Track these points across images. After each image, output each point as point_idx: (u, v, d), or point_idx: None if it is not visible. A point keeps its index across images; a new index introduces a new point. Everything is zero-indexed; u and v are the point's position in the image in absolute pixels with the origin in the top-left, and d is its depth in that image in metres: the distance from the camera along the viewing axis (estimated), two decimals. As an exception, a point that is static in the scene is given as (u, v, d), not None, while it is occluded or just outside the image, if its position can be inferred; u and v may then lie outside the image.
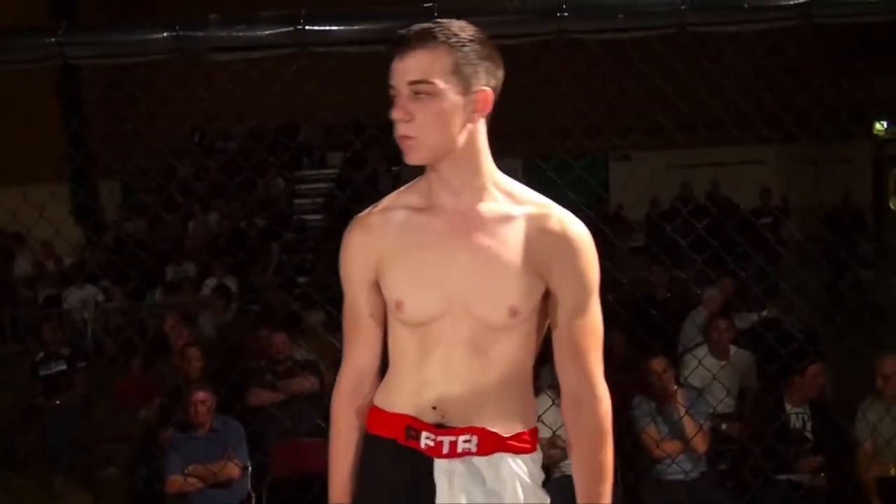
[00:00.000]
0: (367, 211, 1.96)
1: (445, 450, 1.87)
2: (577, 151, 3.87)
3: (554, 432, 4.07)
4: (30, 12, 12.19)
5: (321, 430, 4.96)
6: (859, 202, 12.48)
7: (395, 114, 1.78)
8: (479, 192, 1.87)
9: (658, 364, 4.91)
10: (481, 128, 1.86)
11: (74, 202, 11.94)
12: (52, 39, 2.27)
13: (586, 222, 1.91)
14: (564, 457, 4.75)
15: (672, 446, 4.82)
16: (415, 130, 1.78)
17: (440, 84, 1.76)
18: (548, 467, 2.07)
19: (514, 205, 1.88)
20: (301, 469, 4.92)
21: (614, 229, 8.28)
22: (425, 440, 1.87)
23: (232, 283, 9.41)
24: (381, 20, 2.40)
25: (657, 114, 3.65)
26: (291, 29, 2.33)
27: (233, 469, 4.87)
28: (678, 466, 4.79)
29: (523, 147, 9.32)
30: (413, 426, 1.89)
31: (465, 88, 1.79)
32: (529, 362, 1.95)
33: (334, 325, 6.55)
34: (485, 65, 1.81)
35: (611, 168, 14.39)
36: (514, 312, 1.84)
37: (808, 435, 4.85)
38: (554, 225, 1.86)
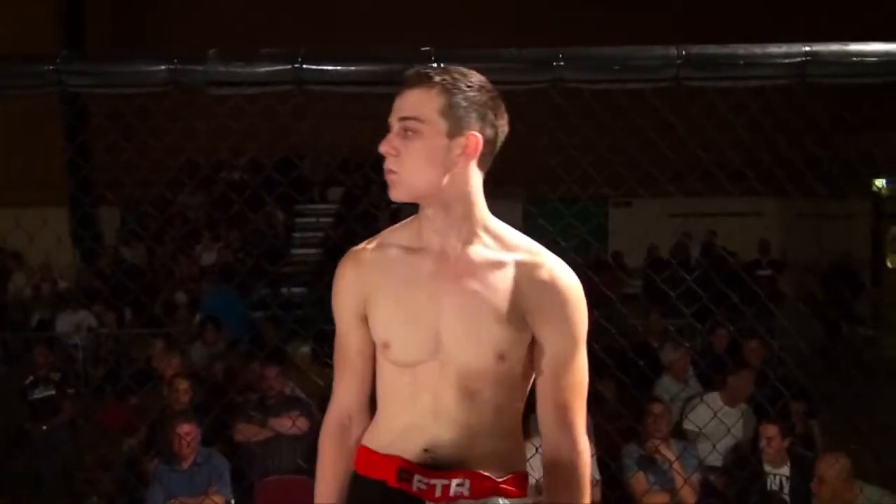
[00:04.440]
0: (361, 245, 1.97)
1: (438, 493, 1.85)
2: (570, 197, 3.89)
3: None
4: (43, 41, 12.32)
5: (304, 469, 4.92)
6: (859, 259, 12.46)
7: (382, 147, 1.81)
8: (467, 236, 1.87)
9: (657, 408, 4.91)
10: (473, 172, 1.86)
11: (72, 226, 11.96)
12: (51, 67, 2.29)
13: (574, 268, 1.91)
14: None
15: (659, 498, 4.77)
16: (399, 165, 1.80)
17: (427, 122, 1.79)
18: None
19: (504, 251, 1.87)
20: (285, 506, 4.88)
21: (607, 276, 8.27)
22: (418, 483, 1.86)
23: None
24: (379, 62, 2.42)
25: (650, 163, 3.67)
26: (289, 67, 2.35)
27: (215, 504, 4.82)
28: (665, 520, 4.74)
29: (522, 191, 9.41)
30: (406, 468, 1.87)
31: (454, 131, 1.80)
32: (519, 407, 1.94)
33: (319, 360, 6.51)
34: (479, 111, 1.82)
35: (610, 214, 14.45)
36: (500, 358, 1.83)
37: (786, 497, 4.70)
38: (543, 274, 1.85)
